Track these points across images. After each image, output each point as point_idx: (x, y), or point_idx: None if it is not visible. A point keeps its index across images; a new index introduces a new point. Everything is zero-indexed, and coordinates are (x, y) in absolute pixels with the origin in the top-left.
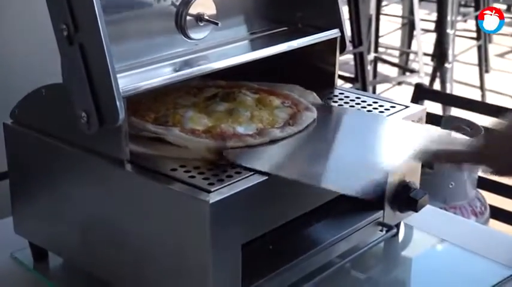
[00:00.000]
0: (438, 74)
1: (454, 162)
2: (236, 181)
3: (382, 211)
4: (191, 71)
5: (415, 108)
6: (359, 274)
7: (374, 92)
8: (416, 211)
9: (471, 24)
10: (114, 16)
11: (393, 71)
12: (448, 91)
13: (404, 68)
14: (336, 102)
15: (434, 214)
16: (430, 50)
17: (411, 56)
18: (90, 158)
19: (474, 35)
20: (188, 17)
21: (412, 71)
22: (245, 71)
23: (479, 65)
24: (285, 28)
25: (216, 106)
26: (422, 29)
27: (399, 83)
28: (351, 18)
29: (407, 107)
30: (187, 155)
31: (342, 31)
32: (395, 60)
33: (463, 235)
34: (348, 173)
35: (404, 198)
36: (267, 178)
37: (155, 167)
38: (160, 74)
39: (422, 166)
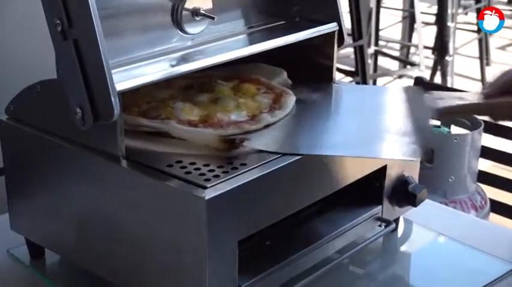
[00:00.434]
0: (439, 67)
1: (466, 114)
2: (232, 177)
3: (380, 206)
4: (188, 66)
5: None
6: (358, 269)
7: (374, 85)
8: (415, 206)
9: (472, 17)
10: (109, 11)
11: (394, 65)
12: (449, 84)
13: (405, 62)
14: None
15: (434, 209)
16: (431, 43)
17: (412, 49)
18: (86, 154)
19: (475, 27)
20: (184, 12)
21: (413, 64)
22: None
23: (480, 58)
24: (283, 22)
25: (198, 97)
26: (423, 22)
27: (400, 77)
28: (351, 12)
29: None
30: (188, 149)
31: (339, 25)
32: (396, 54)
33: (462, 229)
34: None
35: (402, 193)
36: (263, 173)
37: (151, 163)
38: (156, 69)
39: (421, 162)
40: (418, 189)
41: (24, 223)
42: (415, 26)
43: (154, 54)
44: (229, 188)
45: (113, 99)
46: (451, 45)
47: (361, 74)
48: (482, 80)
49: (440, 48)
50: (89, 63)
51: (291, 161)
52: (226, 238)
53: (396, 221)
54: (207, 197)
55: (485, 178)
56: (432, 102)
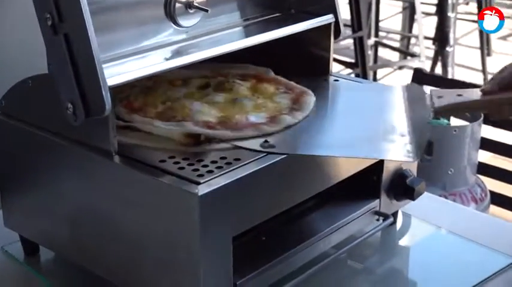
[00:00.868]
0: (440, 57)
1: (466, 111)
2: (226, 172)
3: (378, 200)
4: (181, 60)
5: None
6: (356, 264)
7: (375, 76)
8: (413, 199)
9: (472, 6)
10: (100, 4)
11: (394, 56)
12: (449, 75)
13: (405, 53)
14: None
15: (433, 202)
16: (431, 34)
17: (412, 40)
18: (78, 150)
19: (475, 17)
20: (177, 4)
21: (413, 55)
22: (236, 59)
23: (481, 48)
24: (278, 14)
25: (214, 97)
26: (423, 13)
27: (400, 68)
28: (350, 2)
29: None
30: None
31: (336, 16)
32: (396, 45)
33: (461, 223)
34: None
35: (400, 186)
36: (257, 168)
37: (144, 158)
38: (149, 63)
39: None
40: (416, 182)
41: (17, 219)
42: (416, 16)
43: (147, 48)
44: (222, 183)
45: (104, 94)
46: (451, 35)
47: (361, 65)
48: (483, 70)
49: (441, 38)
50: (80, 58)
51: (285, 156)
52: (221, 234)
53: (394, 215)
54: (200, 193)
55: (485, 169)
56: (431, 101)
